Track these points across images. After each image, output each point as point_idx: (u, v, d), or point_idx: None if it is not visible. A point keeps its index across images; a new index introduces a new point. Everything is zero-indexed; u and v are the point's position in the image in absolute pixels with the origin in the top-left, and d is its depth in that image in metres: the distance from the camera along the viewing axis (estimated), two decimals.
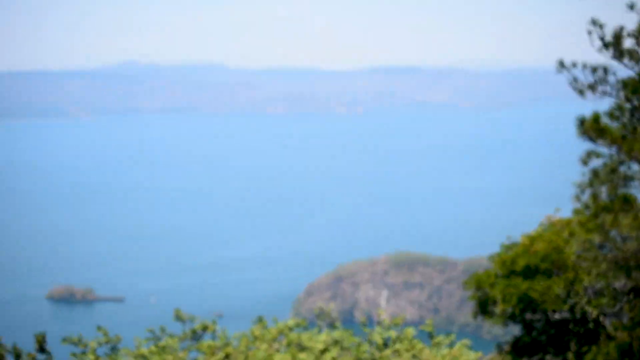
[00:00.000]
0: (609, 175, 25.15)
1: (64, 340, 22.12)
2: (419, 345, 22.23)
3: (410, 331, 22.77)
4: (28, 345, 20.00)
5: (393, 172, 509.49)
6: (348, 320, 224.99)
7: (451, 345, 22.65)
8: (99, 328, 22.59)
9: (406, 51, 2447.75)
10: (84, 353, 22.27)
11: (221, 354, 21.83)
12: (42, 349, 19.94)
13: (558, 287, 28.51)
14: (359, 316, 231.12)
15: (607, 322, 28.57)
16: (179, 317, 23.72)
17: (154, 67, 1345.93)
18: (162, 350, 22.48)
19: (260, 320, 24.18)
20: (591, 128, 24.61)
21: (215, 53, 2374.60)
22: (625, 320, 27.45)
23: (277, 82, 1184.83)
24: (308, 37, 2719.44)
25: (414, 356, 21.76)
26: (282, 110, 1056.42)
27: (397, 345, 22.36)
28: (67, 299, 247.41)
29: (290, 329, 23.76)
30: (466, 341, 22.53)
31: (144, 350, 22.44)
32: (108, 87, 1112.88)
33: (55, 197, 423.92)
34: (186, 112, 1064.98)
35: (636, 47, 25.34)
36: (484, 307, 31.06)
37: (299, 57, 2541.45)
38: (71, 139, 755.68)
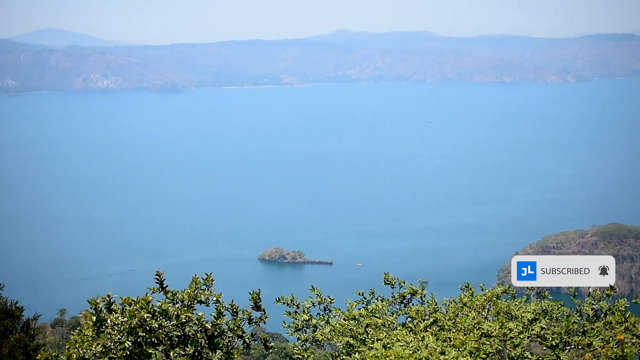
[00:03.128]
0: None
1: (278, 300, 22.79)
2: (633, 319, 21.66)
3: (623, 302, 22.22)
4: (243, 303, 20.89)
5: (604, 141, 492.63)
6: (554, 291, 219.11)
7: None
8: (312, 288, 23.15)
9: (621, 17, 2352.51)
10: (296, 312, 22.90)
11: (429, 320, 21.97)
12: (257, 306, 20.60)
13: None
14: (565, 287, 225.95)
15: None
16: (388, 281, 23.98)
17: (365, 35, 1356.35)
18: (372, 313, 22.84)
19: (467, 287, 24.19)
20: None
21: (426, 21, 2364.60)
22: None
23: (487, 50, 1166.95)
24: (518, 4, 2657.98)
25: (626, 329, 21.24)
26: (491, 79, 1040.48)
27: (609, 317, 21.90)
28: (277, 261, 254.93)
29: (498, 297, 23.72)
30: None
31: (355, 312, 22.88)
32: (321, 56, 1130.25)
33: (269, 163, 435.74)
34: (395, 80, 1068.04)
35: None
36: None
37: (510, 24, 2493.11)
38: (284, 106, 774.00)
